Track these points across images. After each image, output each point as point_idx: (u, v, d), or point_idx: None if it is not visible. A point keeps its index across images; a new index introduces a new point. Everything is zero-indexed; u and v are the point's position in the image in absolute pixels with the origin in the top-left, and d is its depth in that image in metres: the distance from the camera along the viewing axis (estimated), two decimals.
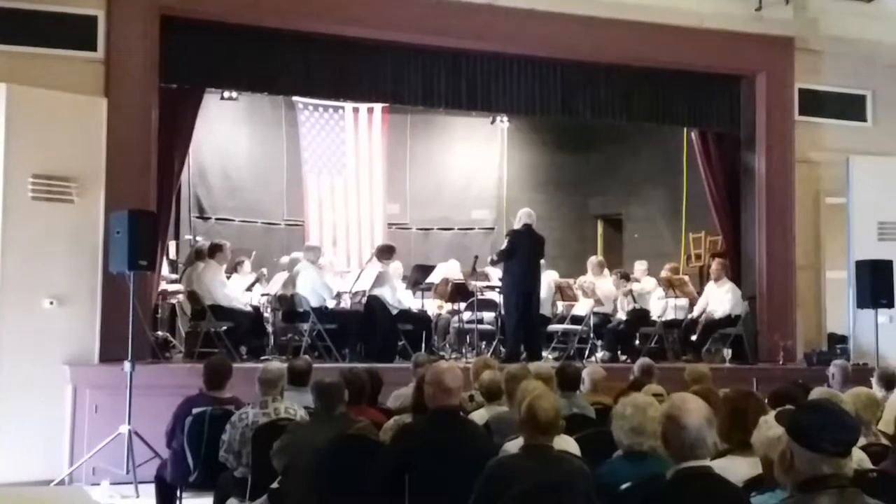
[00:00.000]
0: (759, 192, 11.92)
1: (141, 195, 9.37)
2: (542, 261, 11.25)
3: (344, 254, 15.00)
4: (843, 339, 11.70)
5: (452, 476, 4.41)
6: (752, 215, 12.06)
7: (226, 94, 13.47)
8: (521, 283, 10.75)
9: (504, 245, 11.06)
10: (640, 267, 12.96)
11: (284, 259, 12.41)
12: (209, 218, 14.56)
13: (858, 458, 4.28)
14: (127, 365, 8.28)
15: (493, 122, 15.91)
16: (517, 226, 11.10)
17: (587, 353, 11.74)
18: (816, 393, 5.51)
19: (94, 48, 9.54)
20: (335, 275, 12.13)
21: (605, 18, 11.05)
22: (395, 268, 11.63)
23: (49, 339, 8.72)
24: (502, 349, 11.09)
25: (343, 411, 5.47)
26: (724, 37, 11.57)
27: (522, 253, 10.78)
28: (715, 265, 12.09)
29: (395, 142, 15.75)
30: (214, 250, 10.90)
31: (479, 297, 11.50)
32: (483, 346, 11.62)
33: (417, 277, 11.82)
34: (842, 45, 12.03)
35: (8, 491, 8.16)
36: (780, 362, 11.17)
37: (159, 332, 10.75)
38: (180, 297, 11.22)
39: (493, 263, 11.47)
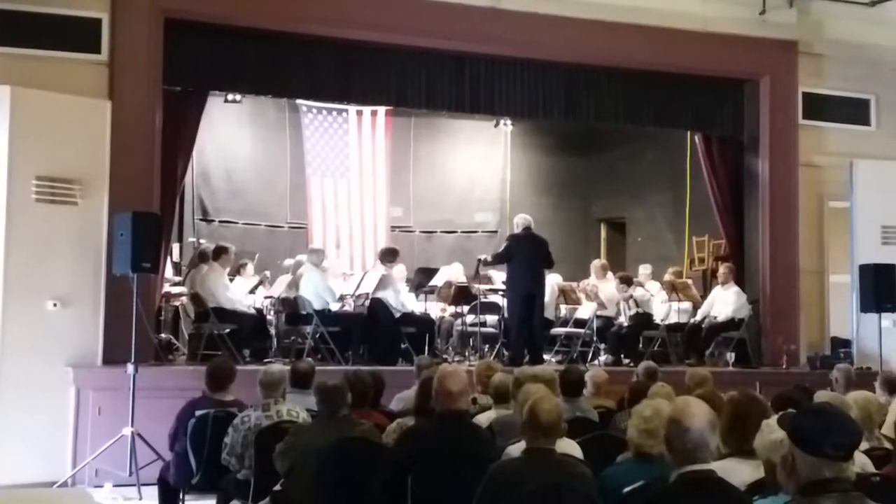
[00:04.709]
0: (763, 196, 11.92)
1: (144, 197, 9.37)
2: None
3: (347, 256, 15.03)
4: (847, 343, 11.70)
5: (455, 479, 4.42)
6: (755, 219, 12.05)
7: (229, 96, 13.46)
8: (523, 286, 10.76)
9: (501, 248, 11.07)
10: (644, 271, 12.95)
11: (288, 262, 12.42)
12: (212, 220, 14.57)
13: (861, 462, 4.28)
14: (130, 367, 8.29)
15: (496, 125, 15.92)
16: (516, 231, 11.13)
17: (590, 356, 11.72)
18: (820, 397, 5.50)
19: (98, 51, 9.55)
20: (338, 277, 12.14)
21: (609, 22, 11.05)
22: (399, 271, 11.64)
23: (52, 341, 8.73)
24: (505, 352, 11.10)
25: (346, 414, 5.47)
26: (727, 40, 11.56)
27: (523, 256, 10.78)
28: (723, 269, 12.05)
29: (399, 145, 15.76)
30: (218, 253, 10.91)
31: (483, 300, 11.51)
32: (486, 349, 11.63)
33: (421, 280, 11.82)
34: (845, 48, 12.02)
35: (11, 493, 8.17)
36: (784, 366, 11.15)
37: (162, 335, 10.76)
38: (184, 299, 11.23)
39: (485, 264, 11.44)
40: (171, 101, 10.12)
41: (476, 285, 11.39)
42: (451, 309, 12.07)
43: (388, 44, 10.78)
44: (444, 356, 11.34)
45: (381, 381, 6.77)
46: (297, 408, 6.03)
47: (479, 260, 11.44)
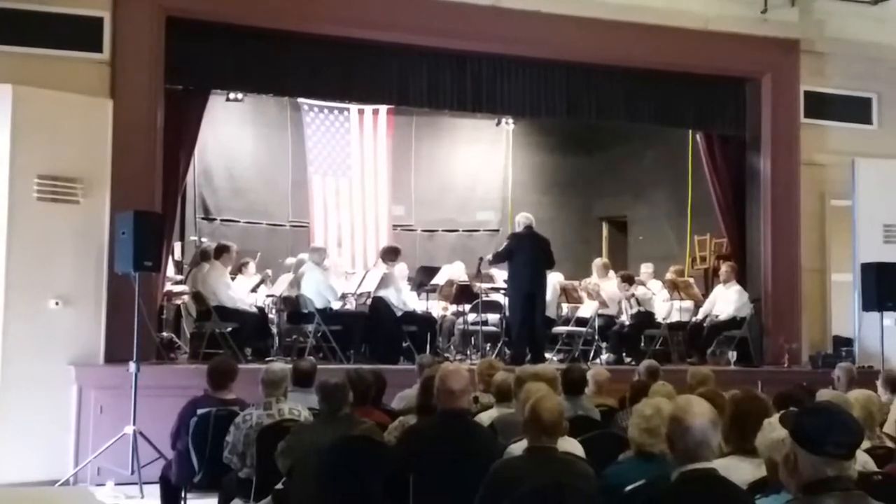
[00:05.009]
0: (765, 195, 11.90)
1: (146, 196, 9.38)
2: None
3: (349, 255, 15.03)
4: (849, 342, 11.68)
5: (457, 478, 4.42)
6: (757, 218, 12.03)
7: (231, 95, 13.47)
8: (524, 285, 10.75)
9: (502, 247, 11.07)
10: (646, 269, 12.95)
11: (289, 260, 12.42)
12: (214, 219, 14.58)
13: (863, 461, 4.27)
14: (132, 365, 8.30)
15: (498, 123, 15.92)
16: (518, 230, 11.13)
17: (592, 355, 11.71)
18: (821, 395, 5.50)
19: (99, 49, 9.54)
20: (340, 276, 12.14)
21: (611, 20, 11.05)
22: (400, 269, 11.64)
23: (54, 340, 8.73)
24: (507, 351, 11.10)
25: (348, 412, 5.48)
26: (729, 39, 11.56)
27: (524, 255, 10.78)
28: (725, 267, 12.04)
29: (401, 143, 15.76)
30: (220, 251, 10.91)
31: (484, 298, 11.51)
32: (488, 348, 11.63)
33: (422, 279, 11.82)
34: (847, 47, 12.01)
35: (13, 491, 8.17)
36: (785, 365, 11.15)
37: (164, 333, 10.76)
38: (185, 297, 11.22)
39: (488, 264, 11.46)
40: (173, 100, 10.12)
41: (477, 284, 11.39)
42: (453, 307, 12.07)
43: (390, 42, 10.78)
44: (446, 355, 11.34)
45: (382, 379, 6.76)
46: (298, 406, 6.03)
47: (481, 259, 11.44)
